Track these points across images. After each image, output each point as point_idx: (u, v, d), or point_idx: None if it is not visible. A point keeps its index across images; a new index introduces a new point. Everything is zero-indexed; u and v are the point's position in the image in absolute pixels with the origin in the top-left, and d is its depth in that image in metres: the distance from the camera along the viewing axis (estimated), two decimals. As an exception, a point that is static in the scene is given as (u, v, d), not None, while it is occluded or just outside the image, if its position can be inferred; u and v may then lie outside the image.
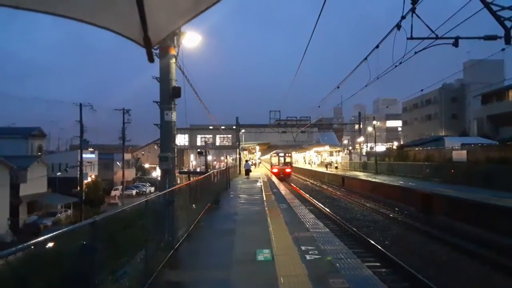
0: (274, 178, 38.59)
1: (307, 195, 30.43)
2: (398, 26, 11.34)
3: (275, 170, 47.57)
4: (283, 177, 45.06)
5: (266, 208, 14.68)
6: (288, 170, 47.91)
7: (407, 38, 12.05)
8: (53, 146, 68.20)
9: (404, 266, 10.35)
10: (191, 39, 9.96)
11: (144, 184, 59.50)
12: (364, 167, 46.43)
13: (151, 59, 1.76)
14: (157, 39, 1.75)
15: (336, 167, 55.13)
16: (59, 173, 40.24)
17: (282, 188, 28.83)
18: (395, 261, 10.94)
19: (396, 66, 13.34)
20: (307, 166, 75.36)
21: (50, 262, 4.24)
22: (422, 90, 22.70)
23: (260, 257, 7.44)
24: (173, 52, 9.54)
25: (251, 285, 6.02)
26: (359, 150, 57.40)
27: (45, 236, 3.60)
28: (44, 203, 35.42)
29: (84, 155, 36.20)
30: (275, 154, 50.93)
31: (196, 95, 15.49)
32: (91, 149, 50.97)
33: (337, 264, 6.94)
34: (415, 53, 12.38)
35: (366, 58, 13.55)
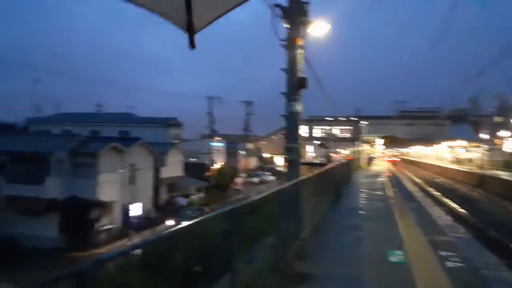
0: (398, 174, 36.33)
1: (438, 193, 27.74)
2: None
3: (389, 159, 72.97)
4: (394, 163, 66.33)
5: (392, 206, 13.82)
6: (397, 159, 74.07)
7: None
8: (187, 135, 75.16)
9: None
10: (318, 28, 9.76)
11: (264, 172, 61.79)
12: (507, 166, 40.35)
13: (193, 45, 1.61)
14: (201, 25, 1.60)
15: (481, 166, 48.30)
16: (192, 159, 44.41)
17: (408, 185, 26.92)
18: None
19: None
20: (437, 162, 68.80)
21: (195, 242, 4.62)
22: None
23: (392, 258, 6.97)
24: (300, 43, 9.50)
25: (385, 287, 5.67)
26: (502, 146, 49.99)
27: (194, 221, 3.89)
28: (180, 185, 39.59)
29: (213, 144, 39.21)
30: (390, 149, 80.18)
31: (320, 87, 15.31)
32: (219, 138, 54.92)
33: (488, 276, 6.09)
34: None
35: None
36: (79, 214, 25.80)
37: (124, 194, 29.44)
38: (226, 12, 1.70)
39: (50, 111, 53.67)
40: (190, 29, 1.60)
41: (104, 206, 27.23)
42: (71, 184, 26.82)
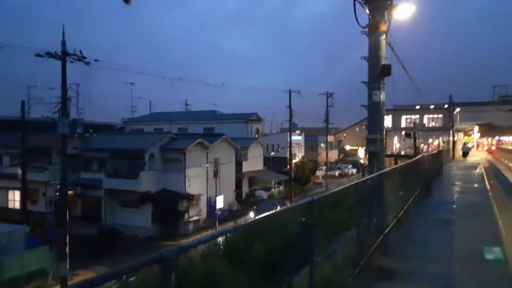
0: (498, 165, 32.84)
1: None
2: None
3: (485, 148, 71.09)
4: (491, 152, 61.95)
5: (491, 199, 12.55)
6: (493, 148, 69.31)
7: None
8: (267, 129, 76.22)
9: None
10: (403, 11, 9.16)
11: (346, 165, 60.25)
12: None
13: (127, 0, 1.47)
14: None
15: None
16: (272, 153, 45.00)
17: (510, 176, 24.21)
18: None
19: None
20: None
21: (275, 233, 4.69)
22: None
23: (488, 256, 6.35)
24: (383, 28, 9.03)
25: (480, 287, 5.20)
26: None
27: (272, 211, 3.97)
28: (260, 179, 40.41)
29: (292, 137, 39.24)
30: (486, 138, 78.18)
31: (406, 73, 14.44)
32: (298, 132, 54.76)
33: None
34: None
35: None
36: (170, 206, 27.77)
37: (209, 188, 30.96)
38: None
39: (144, 111, 58.23)
40: None
41: (191, 199, 28.93)
42: (162, 178, 28.94)
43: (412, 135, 30.45)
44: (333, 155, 64.98)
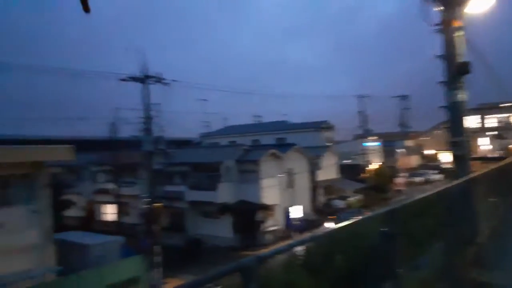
0: None
1: None
2: None
3: None
4: None
5: None
6: None
7: None
8: (340, 136, 74.07)
9: None
10: (479, 3, 8.53)
11: (428, 171, 56.39)
12: None
13: (86, 9, 1.42)
14: None
15: None
16: (348, 161, 43.80)
17: None
18: None
19: None
20: None
21: (354, 243, 4.60)
22: None
23: None
24: (457, 24, 8.49)
25: None
26: None
27: (350, 221, 3.89)
28: (336, 187, 39.53)
29: (367, 144, 37.90)
30: None
31: (489, 70, 13.27)
32: (374, 137, 52.68)
33: None
34: None
35: None
36: (248, 217, 28.36)
37: (284, 198, 31.05)
38: None
39: (218, 125, 60.47)
40: None
41: (268, 209, 29.25)
42: (238, 189, 29.74)
43: (501, 136, 27.69)
44: (413, 160, 61.35)
